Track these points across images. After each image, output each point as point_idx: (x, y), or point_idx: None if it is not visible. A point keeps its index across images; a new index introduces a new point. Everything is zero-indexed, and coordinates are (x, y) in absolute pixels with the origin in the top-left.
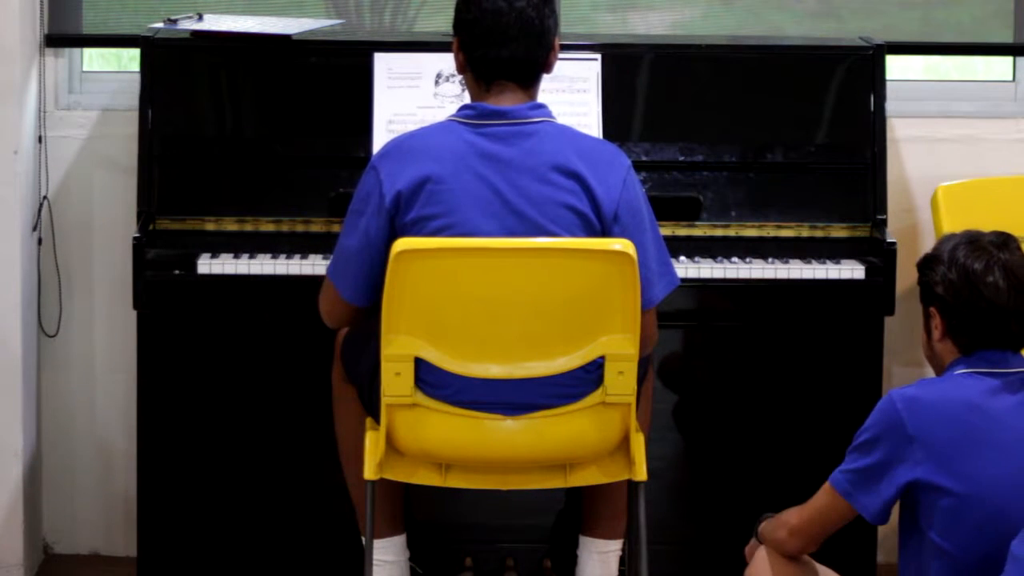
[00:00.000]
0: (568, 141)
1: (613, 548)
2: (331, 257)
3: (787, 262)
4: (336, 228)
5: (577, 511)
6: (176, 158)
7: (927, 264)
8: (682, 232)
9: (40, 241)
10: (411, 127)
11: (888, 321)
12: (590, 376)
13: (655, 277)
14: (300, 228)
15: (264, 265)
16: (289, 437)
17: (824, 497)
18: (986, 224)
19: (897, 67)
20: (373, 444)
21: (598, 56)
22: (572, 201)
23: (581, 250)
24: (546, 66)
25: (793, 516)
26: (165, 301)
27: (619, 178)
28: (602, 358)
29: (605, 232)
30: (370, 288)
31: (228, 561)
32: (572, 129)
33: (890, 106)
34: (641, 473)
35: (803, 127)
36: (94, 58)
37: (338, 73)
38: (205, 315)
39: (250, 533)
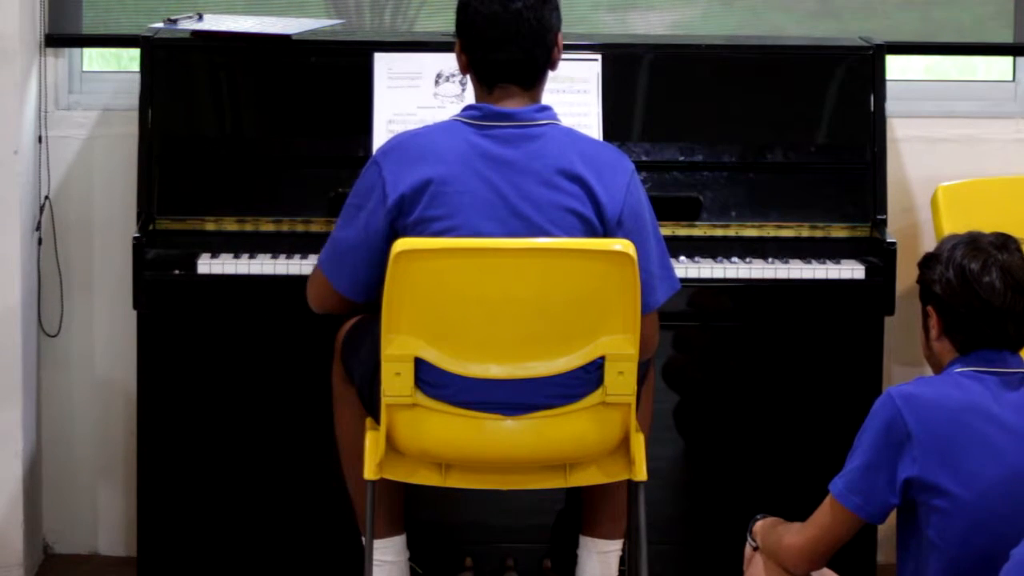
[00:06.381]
0: (572, 145)
1: (613, 548)
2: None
3: (787, 262)
4: None
5: (577, 511)
6: (176, 158)
7: (926, 263)
8: (682, 232)
9: (40, 241)
10: (411, 127)
11: (888, 321)
12: (590, 376)
13: (656, 281)
14: (300, 228)
15: (264, 265)
16: (289, 437)
17: (826, 510)
18: (986, 224)
19: (897, 67)
20: (373, 444)
21: (598, 56)
22: (575, 205)
23: (581, 250)
24: (549, 64)
25: (797, 538)
26: (165, 301)
27: (623, 183)
28: (602, 358)
29: (607, 236)
30: (363, 283)
31: (228, 561)
32: (577, 132)
33: (890, 106)
34: (641, 473)
35: (803, 127)
36: (94, 58)
37: (338, 73)
38: (205, 315)
39: (250, 533)
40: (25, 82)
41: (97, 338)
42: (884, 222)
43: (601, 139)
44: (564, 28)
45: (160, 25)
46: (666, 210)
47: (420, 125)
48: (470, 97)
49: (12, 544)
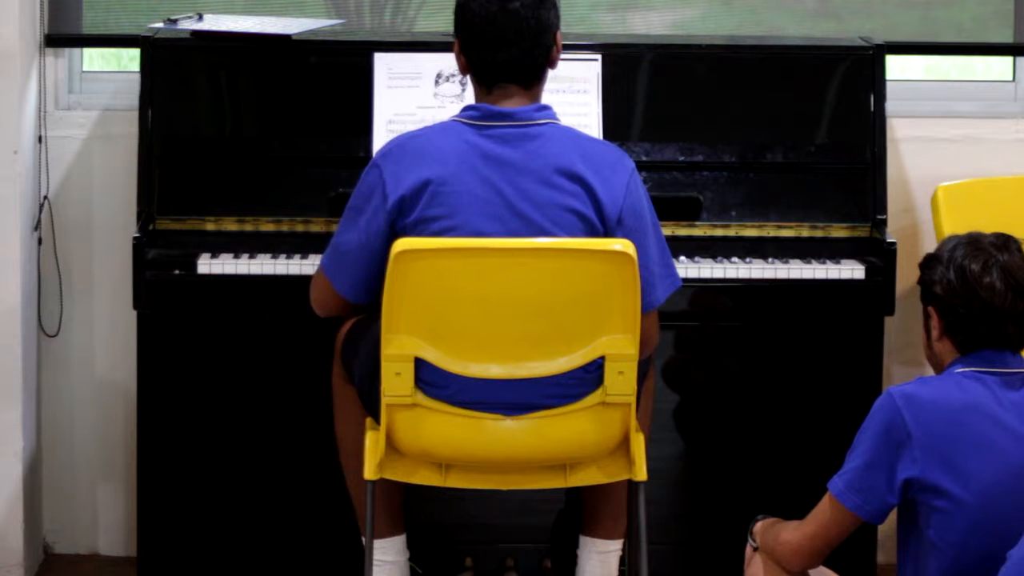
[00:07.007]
0: (572, 144)
1: (613, 548)
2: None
3: (787, 262)
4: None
5: (577, 511)
6: (176, 158)
7: (927, 264)
8: (682, 232)
9: (40, 241)
10: (411, 127)
11: (888, 321)
12: (590, 376)
13: (657, 279)
14: (300, 228)
15: (264, 265)
16: (289, 437)
17: (824, 508)
18: (986, 224)
19: (897, 67)
20: (373, 444)
21: (598, 56)
22: (575, 204)
23: (581, 250)
24: (548, 63)
25: (794, 534)
26: (165, 301)
27: (623, 182)
28: (602, 358)
29: (608, 235)
30: (365, 285)
31: (228, 561)
32: (576, 131)
33: (890, 106)
34: (641, 473)
35: (803, 127)
36: (94, 58)
37: (338, 73)
38: (205, 315)
39: (250, 533)
40: (25, 82)
41: (97, 338)
42: (884, 222)
43: (601, 139)
44: (564, 28)
45: (160, 25)
46: (666, 210)
47: (420, 125)
48: (470, 97)
49: (12, 544)
